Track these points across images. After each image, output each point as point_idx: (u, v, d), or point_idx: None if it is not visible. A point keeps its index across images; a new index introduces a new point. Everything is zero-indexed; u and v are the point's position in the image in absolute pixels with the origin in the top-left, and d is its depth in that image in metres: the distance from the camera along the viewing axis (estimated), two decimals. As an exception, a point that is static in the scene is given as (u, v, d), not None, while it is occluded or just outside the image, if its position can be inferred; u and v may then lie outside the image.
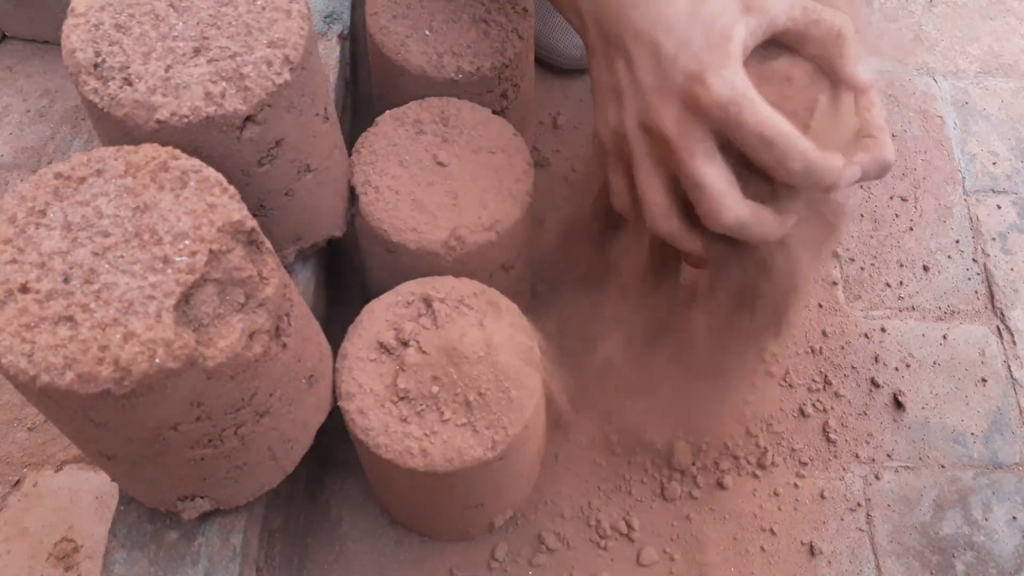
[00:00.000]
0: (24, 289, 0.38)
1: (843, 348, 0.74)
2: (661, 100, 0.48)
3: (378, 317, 0.56)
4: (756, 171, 0.48)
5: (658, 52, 0.48)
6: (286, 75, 0.47)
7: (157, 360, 0.37)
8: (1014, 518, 0.68)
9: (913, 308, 0.78)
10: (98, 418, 0.39)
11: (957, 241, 0.81)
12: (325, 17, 0.71)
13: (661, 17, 0.48)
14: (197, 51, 0.46)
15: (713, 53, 0.46)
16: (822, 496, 0.68)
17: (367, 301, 0.57)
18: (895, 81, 0.91)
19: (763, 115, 0.45)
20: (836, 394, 0.72)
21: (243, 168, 0.49)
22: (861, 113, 0.52)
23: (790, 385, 0.72)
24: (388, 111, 0.64)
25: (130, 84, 0.45)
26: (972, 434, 0.71)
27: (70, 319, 0.38)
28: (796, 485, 0.68)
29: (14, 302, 0.38)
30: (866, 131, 0.51)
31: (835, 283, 0.78)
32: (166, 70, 0.46)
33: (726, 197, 0.47)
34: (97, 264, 0.39)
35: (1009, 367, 0.75)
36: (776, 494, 0.68)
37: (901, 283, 0.79)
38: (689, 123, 0.47)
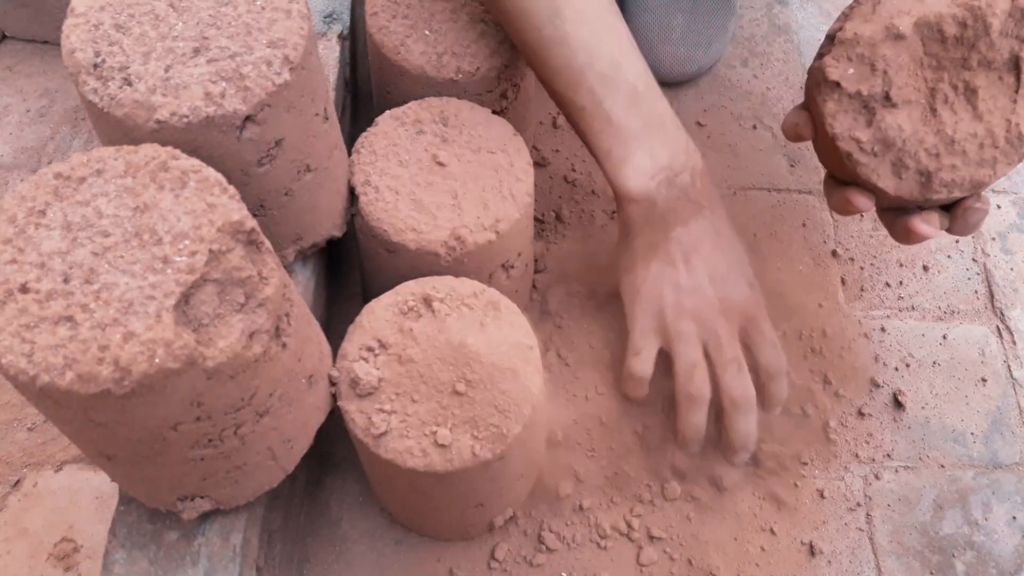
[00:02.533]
0: (24, 289, 0.38)
1: (843, 348, 0.74)
2: None
3: (378, 317, 0.56)
4: None
5: None
6: (286, 75, 0.47)
7: (157, 360, 0.37)
8: (1014, 518, 0.68)
9: (913, 308, 0.77)
10: (98, 418, 0.39)
11: (957, 241, 0.81)
12: (325, 17, 0.71)
13: None
14: (197, 51, 0.46)
15: None
16: (822, 496, 0.68)
17: (367, 301, 0.57)
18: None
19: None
20: (836, 394, 0.72)
21: (243, 168, 0.49)
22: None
23: (790, 385, 0.72)
24: (388, 111, 0.64)
25: (130, 84, 0.45)
26: (972, 434, 0.71)
27: (70, 319, 0.38)
28: (796, 485, 0.68)
29: (14, 302, 0.38)
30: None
31: (835, 283, 0.78)
32: (166, 70, 0.46)
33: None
34: (97, 264, 0.39)
35: (1009, 367, 0.75)
36: (776, 494, 0.68)
37: (901, 283, 0.79)
38: None
